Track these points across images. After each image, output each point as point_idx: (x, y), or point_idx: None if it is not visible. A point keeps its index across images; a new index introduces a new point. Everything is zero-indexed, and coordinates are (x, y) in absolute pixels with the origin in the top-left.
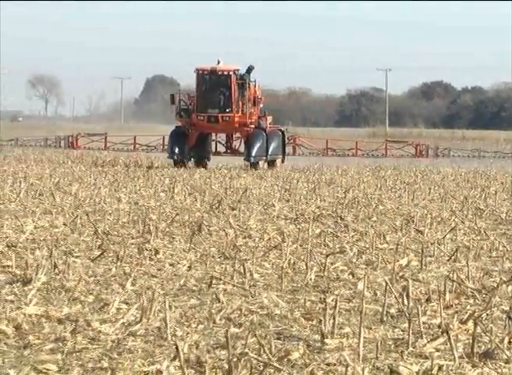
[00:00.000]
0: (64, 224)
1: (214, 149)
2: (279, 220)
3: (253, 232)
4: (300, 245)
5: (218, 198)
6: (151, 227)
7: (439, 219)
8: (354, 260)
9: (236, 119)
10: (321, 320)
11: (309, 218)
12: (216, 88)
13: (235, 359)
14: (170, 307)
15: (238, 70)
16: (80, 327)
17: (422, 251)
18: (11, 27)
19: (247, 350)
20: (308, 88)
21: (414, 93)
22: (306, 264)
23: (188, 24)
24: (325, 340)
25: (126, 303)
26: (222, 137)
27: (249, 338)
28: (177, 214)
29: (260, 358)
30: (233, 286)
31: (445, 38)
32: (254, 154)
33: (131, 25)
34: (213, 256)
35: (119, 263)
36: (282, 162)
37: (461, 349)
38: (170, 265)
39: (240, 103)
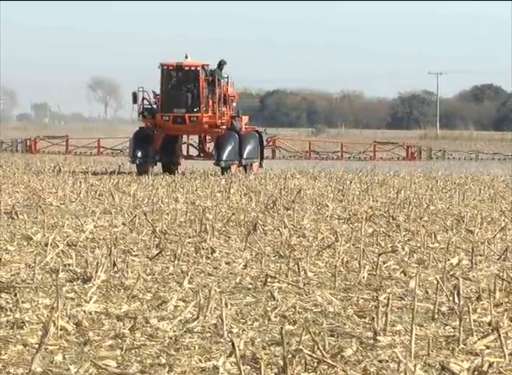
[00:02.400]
0: (123, 224)
1: (185, 152)
2: (333, 220)
3: (307, 231)
4: (353, 244)
5: (272, 199)
6: (208, 227)
7: (489, 219)
8: (406, 259)
9: (205, 120)
10: (373, 318)
11: (362, 218)
12: (183, 85)
13: (290, 356)
14: (226, 304)
15: (208, 66)
16: (139, 324)
17: (473, 250)
18: (75, 36)
19: (301, 347)
20: (361, 91)
21: (465, 96)
22: (359, 263)
23: (240, 31)
24: (378, 337)
25: (184, 301)
26: (195, 139)
27: (303, 335)
28: (233, 214)
29: (314, 355)
30: (288, 284)
31: (495, 44)
32: (224, 158)
33: (183, 31)
34: (268, 255)
35: (176, 262)
36: (260, 166)
37: (511, 346)
38: (226, 263)
39: (210, 102)
